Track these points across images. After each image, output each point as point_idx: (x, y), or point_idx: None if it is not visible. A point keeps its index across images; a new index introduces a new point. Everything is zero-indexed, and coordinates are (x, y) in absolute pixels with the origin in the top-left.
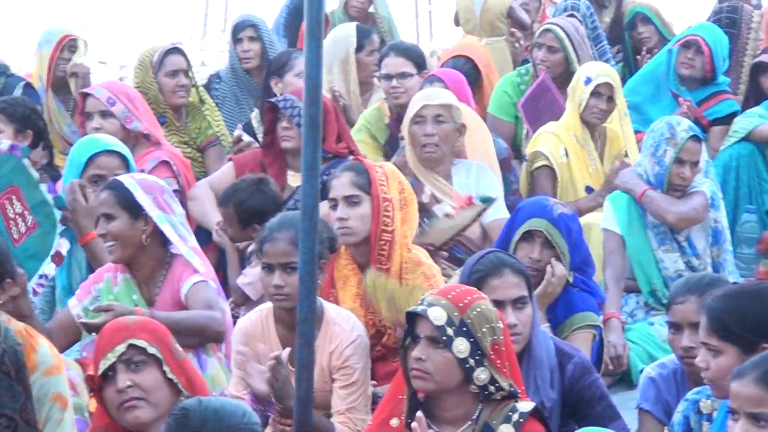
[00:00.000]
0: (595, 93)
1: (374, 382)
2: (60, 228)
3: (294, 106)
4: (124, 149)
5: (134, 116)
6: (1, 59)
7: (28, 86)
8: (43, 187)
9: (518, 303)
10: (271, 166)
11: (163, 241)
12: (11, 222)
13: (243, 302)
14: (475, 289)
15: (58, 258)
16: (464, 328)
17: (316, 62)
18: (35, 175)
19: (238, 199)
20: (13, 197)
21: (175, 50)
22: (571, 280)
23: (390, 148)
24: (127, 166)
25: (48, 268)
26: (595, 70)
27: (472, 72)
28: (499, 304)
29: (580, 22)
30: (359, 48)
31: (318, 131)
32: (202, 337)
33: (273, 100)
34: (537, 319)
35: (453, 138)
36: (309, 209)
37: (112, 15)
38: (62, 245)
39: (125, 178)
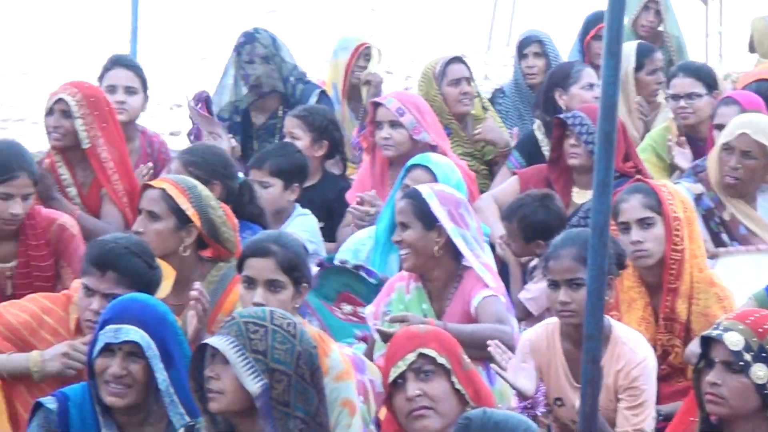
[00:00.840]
0: None
1: None
2: None
3: (582, 124)
4: (438, 166)
5: (422, 127)
6: (299, 67)
7: (323, 94)
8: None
9: None
10: (556, 181)
11: (456, 254)
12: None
13: (524, 317)
14: None
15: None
16: (763, 354)
17: (614, 79)
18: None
19: (523, 214)
20: (342, 304)
21: (457, 59)
22: None
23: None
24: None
25: None
26: None
27: None
28: None
29: None
30: (639, 67)
31: (612, 148)
32: None
33: (561, 116)
34: None
35: (760, 173)
36: (599, 225)
37: (400, 26)
38: None
39: (424, 188)
